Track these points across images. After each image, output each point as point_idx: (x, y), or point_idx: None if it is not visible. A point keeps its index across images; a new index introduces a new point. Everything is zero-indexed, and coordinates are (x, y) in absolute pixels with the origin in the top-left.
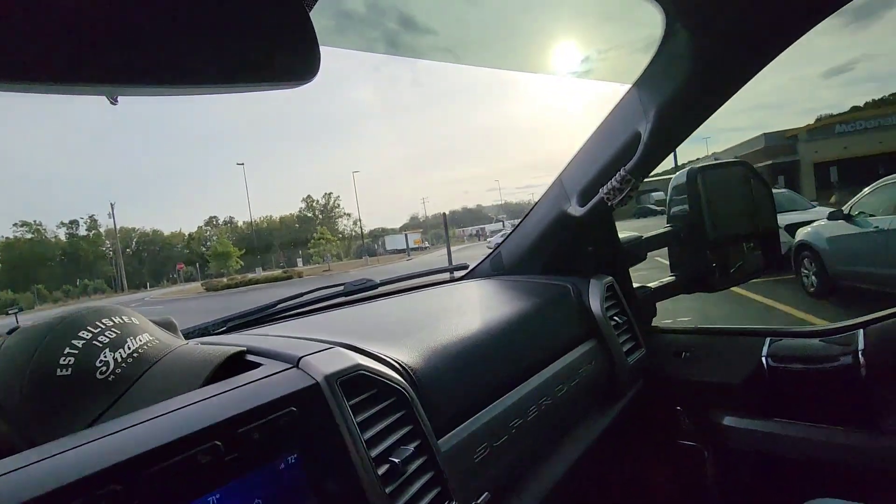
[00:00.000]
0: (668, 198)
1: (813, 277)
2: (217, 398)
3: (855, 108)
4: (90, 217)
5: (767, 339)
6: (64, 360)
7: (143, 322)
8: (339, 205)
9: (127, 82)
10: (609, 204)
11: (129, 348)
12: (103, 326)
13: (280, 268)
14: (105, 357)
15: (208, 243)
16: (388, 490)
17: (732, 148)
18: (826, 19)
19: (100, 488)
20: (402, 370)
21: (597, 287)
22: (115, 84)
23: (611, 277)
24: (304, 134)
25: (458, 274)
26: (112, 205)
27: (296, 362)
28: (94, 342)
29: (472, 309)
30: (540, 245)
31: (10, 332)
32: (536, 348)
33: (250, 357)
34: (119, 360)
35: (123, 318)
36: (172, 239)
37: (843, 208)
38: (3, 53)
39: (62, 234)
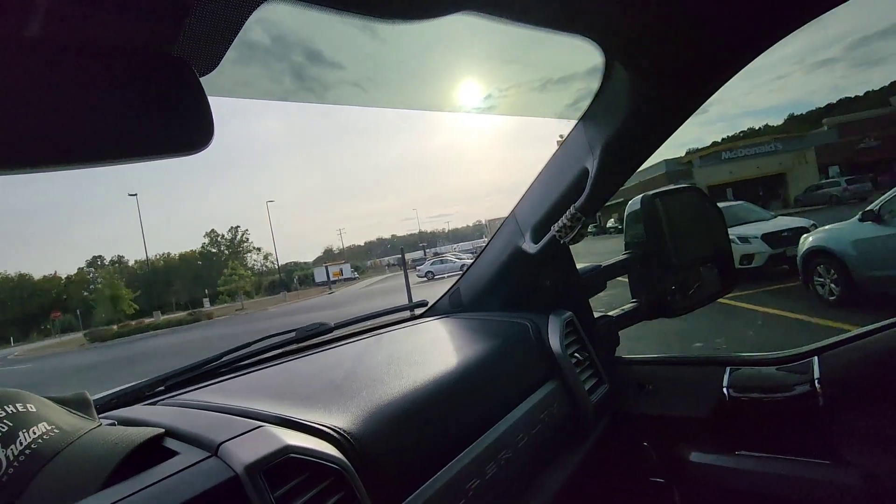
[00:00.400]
0: (624, 224)
1: (832, 285)
2: (124, 501)
3: (714, 143)
4: None
5: (728, 369)
6: None
7: (41, 408)
8: (247, 239)
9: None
10: (561, 241)
11: (22, 443)
12: None
13: (182, 310)
14: None
15: (92, 287)
16: None
17: (639, 172)
18: None
19: None
20: (343, 439)
21: (556, 323)
22: None
23: (570, 312)
24: (206, 164)
25: (417, 311)
26: None
27: (215, 450)
28: None
29: (428, 355)
30: (497, 281)
31: None
32: (496, 394)
33: (167, 442)
34: (11, 457)
35: (18, 405)
36: (45, 284)
37: (871, 208)
38: None
39: None
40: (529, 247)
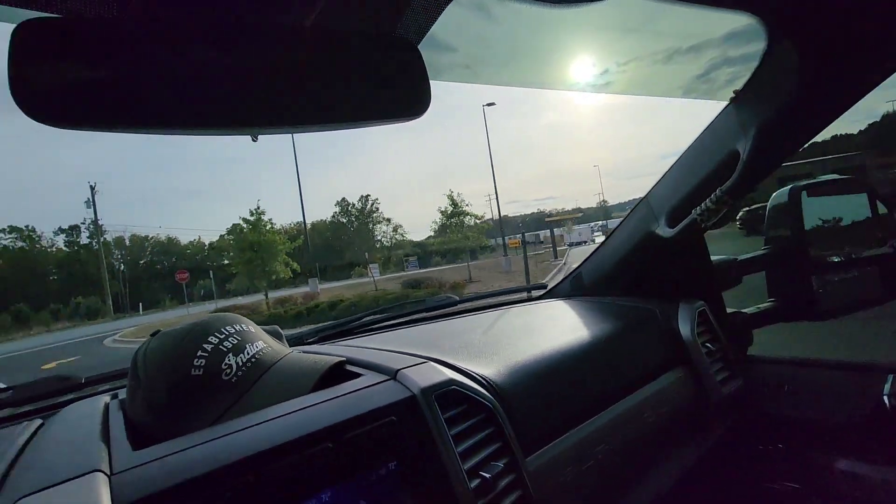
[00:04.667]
0: (766, 217)
1: None
2: (326, 404)
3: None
4: (92, 221)
5: (890, 377)
6: (197, 362)
7: (257, 330)
8: (377, 208)
9: (268, 125)
10: (703, 225)
11: (248, 353)
12: (227, 333)
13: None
14: (229, 361)
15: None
16: (482, 502)
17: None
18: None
19: (234, 478)
20: (490, 387)
21: (687, 312)
22: (260, 126)
23: (702, 302)
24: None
25: (535, 293)
26: (93, 187)
27: (393, 374)
28: (220, 347)
29: (556, 329)
30: (624, 266)
31: (153, 335)
32: (621, 372)
33: (349, 367)
34: (240, 363)
35: (242, 325)
36: (190, 250)
37: None
38: (185, 107)
39: (61, 242)
40: (664, 231)
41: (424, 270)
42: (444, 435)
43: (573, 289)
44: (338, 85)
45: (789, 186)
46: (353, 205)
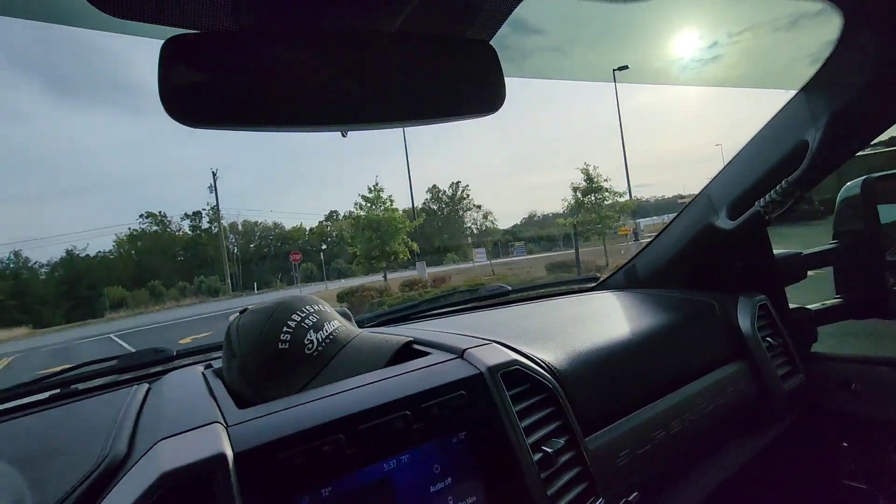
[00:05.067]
0: (836, 210)
1: None
2: (402, 377)
3: None
4: (212, 208)
5: None
6: (283, 337)
7: (331, 310)
8: (468, 195)
9: (359, 122)
10: (766, 217)
11: (326, 331)
12: (307, 312)
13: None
14: (310, 336)
15: (329, 239)
16: (542, 476)
17: None
18: None
19: (330, 435)
20: (549, 370)
21: (747, 305)
22: (352, 123)
23: (763, 296)
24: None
25: (586, 285)
26: (214, 173)
27: (460, 353)
28: (303, 324)
29: (611, 319)
30: (681, 259)
31: (242, 312)
32: (677, 363)
33: (417, 346)
34: (320, 339)
35: (318, 306)
36: (294, 234)
37: None
38: (289, 106)
39: (186, 227)
40: (724, 223)
41: (535, 256)
42: (510, 410)
43: (627, 281)
44: (419, 84)
45: (862, 178)
46: (444, 192)
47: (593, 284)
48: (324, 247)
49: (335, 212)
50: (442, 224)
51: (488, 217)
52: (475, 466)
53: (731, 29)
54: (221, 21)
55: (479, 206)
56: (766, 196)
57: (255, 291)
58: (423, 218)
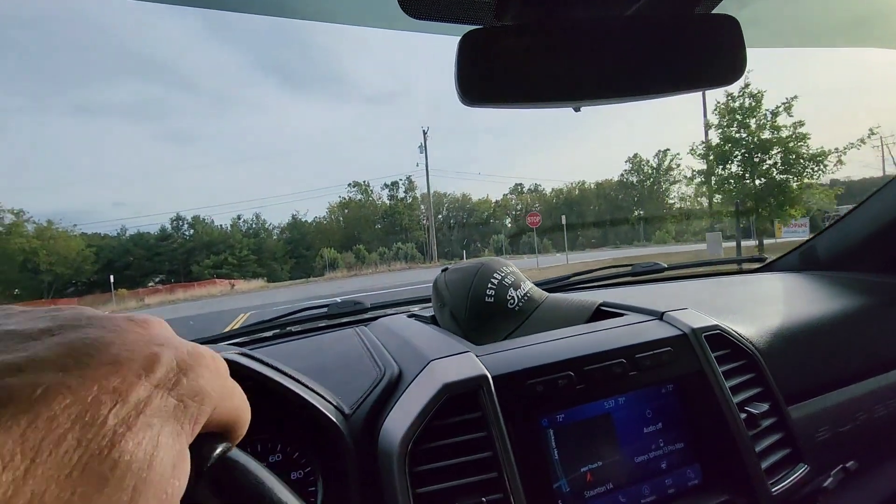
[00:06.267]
0: None
1: None
2: (612, 331)
3: None
4: (408, 178)
5: None
6: (489, 292)
7: (521, 274)
8: (678, 164)
9: (594, 97)
10: None
11: (523, 290)
12: (505, 272)
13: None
14: (511, 293)
15: (513, 212)
16: (750, 434)
17: None
18: None
19: (561, 371)
20: (743, 338)
21: None
22: (586, 99)
23: None
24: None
25: (750, 266)
26: (425, 132)
27: (659, 316)
28: (503, 282)
29: (799, 299)
30: (878, 239)
31: (443, 270)
32: (876, 349)
33: (608, 308)
34: (519, 296)
35: (512, 268)
36: (480, 206)
37: None
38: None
39: (385, 196)
40: None
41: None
42: (715, 369)
43: (804, 262)
44: (656, 61)
45: None
46: (648, 161)
47: (759, 265)
48: (563, 216)
49: (520, 184)
50: (641, 197)
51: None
52: (683, 416)
53: None
54: (486, 19)
55: (692, 178)
56: None
57: (464, 259)
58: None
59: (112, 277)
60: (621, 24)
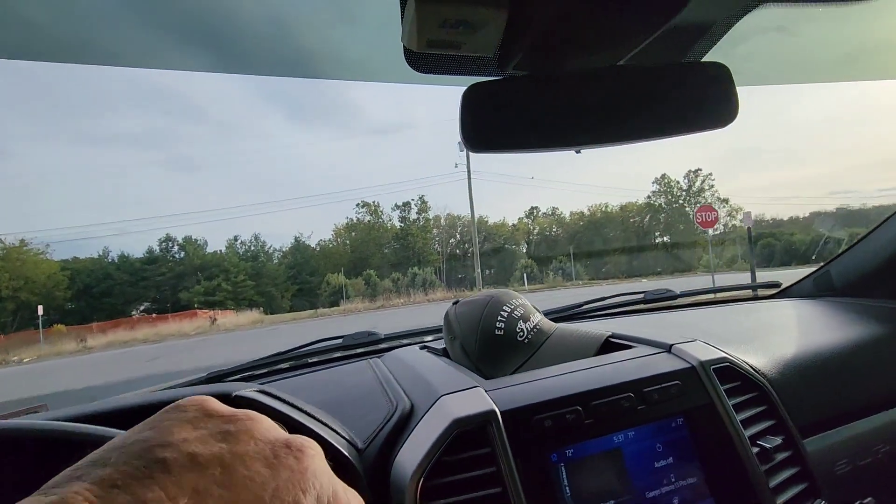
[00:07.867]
0: None
1: None
2: (618, 364)
3: None
4: (420, 198)
5: None
6: (498, 325)
7: (531, 306)
8: (711, 185)
9: (593, 142)
10: None
11: (533, 322)
12: (514, 305)
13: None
14: (521, 326)
15: (531, 238)
16: (763, 468)
17: None
18: None
19: (569, 406)
20: (755, 370)
21: None
22: (585, 144)
23: None
24: None
25: (764, 292)
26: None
27: (668, 348)
28: (512, 314)
29: (812, 326)
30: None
31: (454, 303)
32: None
33: (617, 340)
34: (528, 329)
35: (522, 300)
36: (498, 230)
37: None
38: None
39: (396, 218)
40: None
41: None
42: (725, 402)
43: (818, 288)
44: (651, 107)
45: None
46: (678, 182)
47: (774, 291)
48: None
49: (536, 208)
50: (669, 220)
51: (735, 214)
52: (694, 450)
53: None
54: (488, 70)
55: (726, 200)
56: None
57: (526, 286)
58: None
59: (41, 309)
60: (616, 73)
